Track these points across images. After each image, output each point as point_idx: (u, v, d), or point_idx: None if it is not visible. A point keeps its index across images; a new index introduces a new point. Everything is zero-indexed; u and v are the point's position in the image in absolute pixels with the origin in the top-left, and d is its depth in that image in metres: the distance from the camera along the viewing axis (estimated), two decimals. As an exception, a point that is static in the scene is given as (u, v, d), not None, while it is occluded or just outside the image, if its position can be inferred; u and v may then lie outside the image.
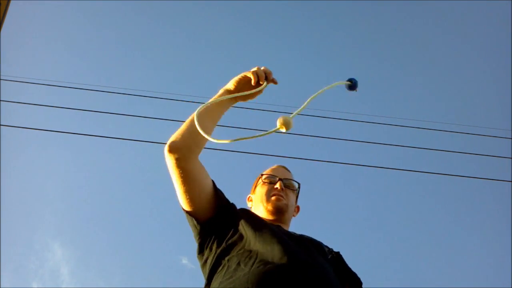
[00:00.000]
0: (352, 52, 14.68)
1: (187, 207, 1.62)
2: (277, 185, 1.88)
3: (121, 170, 13.63)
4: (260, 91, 1.65)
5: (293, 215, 1.92)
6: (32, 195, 13.66)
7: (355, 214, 13.30)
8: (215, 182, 1.68)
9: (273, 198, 1.85)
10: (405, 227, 13.42)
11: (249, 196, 1.99)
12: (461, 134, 8.67)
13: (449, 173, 8.16)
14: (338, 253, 1.77)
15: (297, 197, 1.96)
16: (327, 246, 1.77)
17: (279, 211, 1.83)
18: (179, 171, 1.58)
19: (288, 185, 1.92)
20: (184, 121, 1.67)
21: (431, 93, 14.15)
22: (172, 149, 1.58)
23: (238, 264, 1.48)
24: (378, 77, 14.61)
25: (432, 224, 13.13)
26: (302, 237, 1.69)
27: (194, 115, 1.48)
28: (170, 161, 1.60)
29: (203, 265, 1.63)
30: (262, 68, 1.68)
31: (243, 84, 1.70)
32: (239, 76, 1.70)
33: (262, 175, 1.95)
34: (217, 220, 1.61)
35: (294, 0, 13.69)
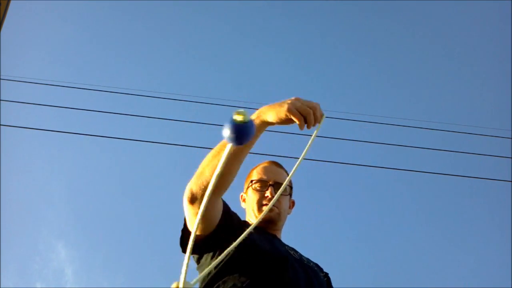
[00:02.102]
0: (352, 52, 14.70)
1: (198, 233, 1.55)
2: (268, 193, 1.79)
3: (123, 170, 13.64)
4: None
5: (288, 213, 1.89)
6: (36, 195, 13.68)
7: (354, 214, 13.31)
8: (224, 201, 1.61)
9: (264, 208, 1.78)
10: (404, 227, 13.43)
11: (242, 195, 1.93)
12: (462, 134, 8.68)
13: (449, 173, 8.17)
14: (327, 274, 1.81)
15: (290, 194, 1.91)
16: (321, 269, 1.80)
17: (272, 222, 1.79)
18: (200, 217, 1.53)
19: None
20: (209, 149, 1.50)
21: (431, 93, 14.16)
22: (194, 203, 1.47)
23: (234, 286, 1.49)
24: (378, 77, 14.63)
25: (432, 224, 13.15)
26: (301, 259, 1.71)
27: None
28: (190, 210, 1.50)
29: (199, 269, 1.63)
30: (308, 106, 1.37)
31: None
32: (283, 116, 1.38)
33: (252, 181, 1.86)
34: (216, 238, 1.55)
35: (292, 0, 13.69)
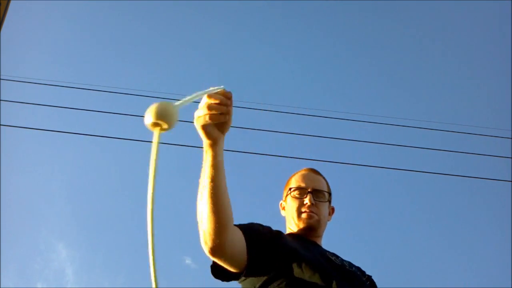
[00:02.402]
0: (352, 52, 14.69)
1: (233, 270, 1.52)
2: (307, 200, 1.81)
3: (123, 170, 13.65)
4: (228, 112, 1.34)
5: (328, 220, 1.89)
6: (36, 195, 13.69)
7: (354, 214, 13.31)
8: (243, 228, 1.56)
9: (304, 216, 1.80)
10: (404, 227, 13.43)
11: (281, 203, 1.94)
12: (462, 134, 8.68)
13: (449, 173, 8.17)
14: (370, 277, 1.81)
15: (330, 201, 1.91)
16: (363, 272, 1.80)
17: (312, 229, 1.79)
18: (225, 261, 1.49)
19: (319, 197, 1.85)
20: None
21: (431, 93, 14.17)
22: (217, 255, 1.44)
23: None
24: (378, 77, 14.63)
25: (432, 224, 13.15)
26: (343, 264, 1.71)
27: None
28: (215, 259, 1.48)
29: (242, 282, 1.63)
30: (208, 103, 1.34)
31: (218, 133, 1.37)
32: (208, 132, 1.36)
33: (290, 189, 1.87)
34: (254, 269, 1.54)
35: (292, 0, 13.70)
